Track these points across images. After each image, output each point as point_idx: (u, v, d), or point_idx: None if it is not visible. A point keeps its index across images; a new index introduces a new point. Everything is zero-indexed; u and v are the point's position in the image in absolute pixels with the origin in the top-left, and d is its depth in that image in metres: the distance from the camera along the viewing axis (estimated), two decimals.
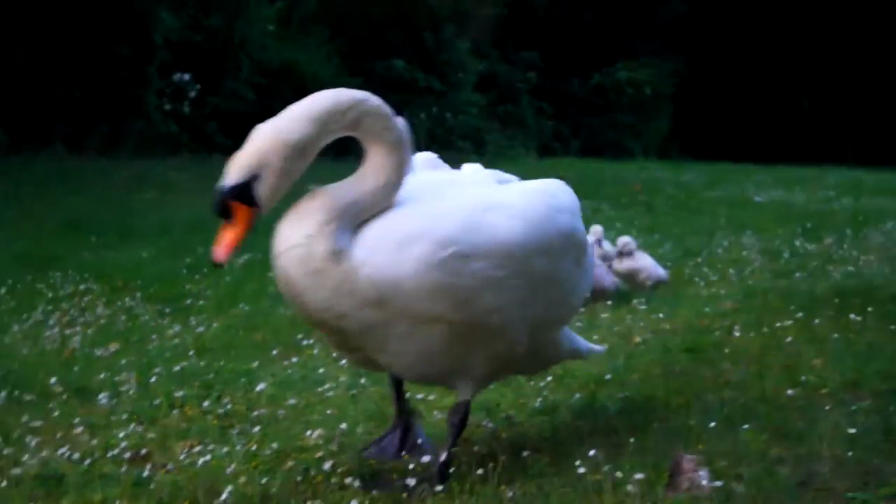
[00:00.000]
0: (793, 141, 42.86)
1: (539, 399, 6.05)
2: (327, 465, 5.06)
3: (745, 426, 5.25)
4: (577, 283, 5.00)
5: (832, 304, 8.65)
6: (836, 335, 7.49)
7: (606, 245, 10.16)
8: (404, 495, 4.57)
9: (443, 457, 4.77)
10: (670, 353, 7.20)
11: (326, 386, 6.59)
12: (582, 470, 4.65)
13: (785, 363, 6.82)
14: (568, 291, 4.89)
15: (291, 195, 4.41)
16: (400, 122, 4.65)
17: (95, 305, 9.74)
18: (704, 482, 4.47)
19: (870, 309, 8.27)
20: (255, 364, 7.47)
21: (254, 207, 4.21)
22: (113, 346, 8.15)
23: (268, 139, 4.21)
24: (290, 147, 4.21)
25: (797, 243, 13.87)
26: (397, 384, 5.19)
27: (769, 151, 39.32)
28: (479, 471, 4.81)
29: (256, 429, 5.70)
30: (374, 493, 4.84)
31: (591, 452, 4.83)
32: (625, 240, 9.98)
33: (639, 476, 4.50)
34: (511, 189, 4.83)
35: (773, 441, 5.13)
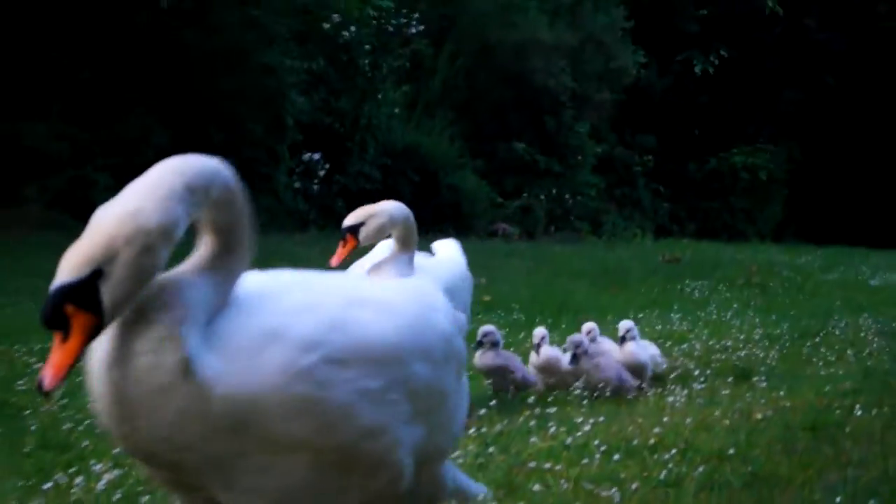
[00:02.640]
0: None
1: (664, 472, 5.96)
2: None
3: (871, 503, 5.15)
4: (459, 403, 3.91)
5: None
6: None
7: (604, 340, 9.66)
8: None
9: None
10: (791, 430, 7.06)
11: (455, 454, 6.38)
12: None
13: None
14: (452, 411, 3.81)
15: None
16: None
17: None
18: None
19: None
20: None
21: (96, 315, 2.93)
22: None
23: (118, 223, 2.96)
24: (150, 234, 2.97)
25: None
26: None
27: (884, 236, 38.93)
28: None
29: None
30: None
31: None
32: (627, 324, 9.49)
33: None
34: (380, 284, 3.90)
35: None
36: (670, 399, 8.43)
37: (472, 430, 7.15)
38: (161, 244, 2.99)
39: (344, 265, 7.15)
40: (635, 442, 6.58)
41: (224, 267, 3.26)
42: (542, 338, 9.12)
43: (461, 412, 3.96)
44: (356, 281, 3.90)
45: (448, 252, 7.99)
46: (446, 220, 29.73)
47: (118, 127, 25.33)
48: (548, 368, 9.26)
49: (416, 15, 33.00)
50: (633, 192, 39.84)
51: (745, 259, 27.20)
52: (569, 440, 6.70)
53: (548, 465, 6.08)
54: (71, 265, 2.90)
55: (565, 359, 8.99)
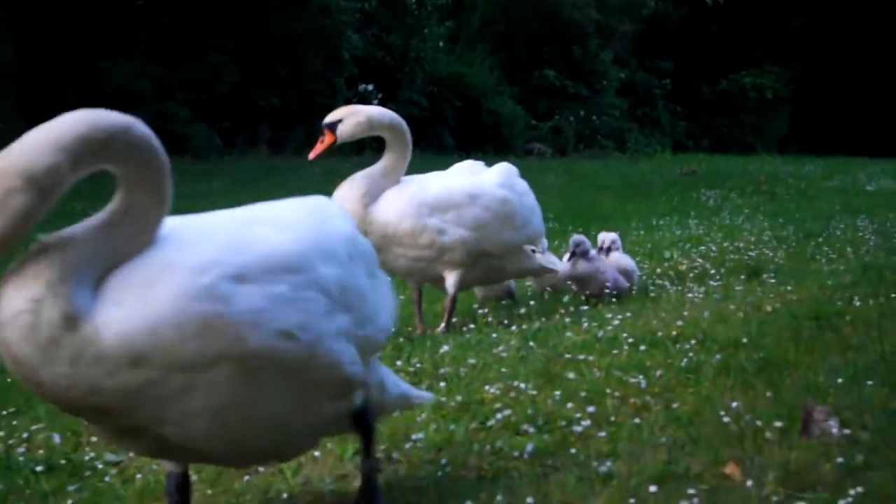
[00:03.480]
0: None
1: (685, 360, 6.00)
2: (502, 415, 5.06)
3: (869, 382, 5.18)
4: (379, 298, 3.77)
5: None
6: None
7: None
8: None
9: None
10: (798, 320, 7.06)
11: (500, 348, 6.59)
12: (726, 419, 4.66)
13: None
14: (373, 304, 3.67)
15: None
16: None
17: None
18: (834, 430, 4.42)
19: None
20: (438, 329, 7.55)
21: None
22: None
23: (9, 168, 2.84)
24: (30, 180, 2.82)
25: None
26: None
27: (879, 146, 38.56)
28: (636, 420, 4.82)
29: (442, 384, 5.75)
30: (546, 437, 4.83)
31: (734, 404, 4.83)
32: (610, 236, 9.03)
33: (776, 424, 4.48)
34: (280, 205, 3.70)
35: (893, 395, 5.03)
36: (690, 295, 8.43)
37: (513, 328, 7.18)
38: (41, 196, 2.83)
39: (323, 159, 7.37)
40: (659, 334, 6.62)
41: (135, 219, 3.09)
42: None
43: (385, 306, 3.83)
44: (258, 208, 3.62)
45: (489, 171, 7.75)
46: (487, 141, 29.89)
47: (194, 65, 25.58)
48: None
49: None
50: (653, 113, 39.88)
51: (754, 169, 27.16)
52: (600, 333, 6.73)
53: (581, 357, 6.12)
54: None
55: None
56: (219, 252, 3.15)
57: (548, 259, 8.14)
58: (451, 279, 7.34)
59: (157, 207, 3.17)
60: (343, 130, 6.94)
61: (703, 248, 11.46)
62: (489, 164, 7.92)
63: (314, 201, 3.77)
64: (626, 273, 8.79)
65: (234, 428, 3.21)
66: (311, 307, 3.25)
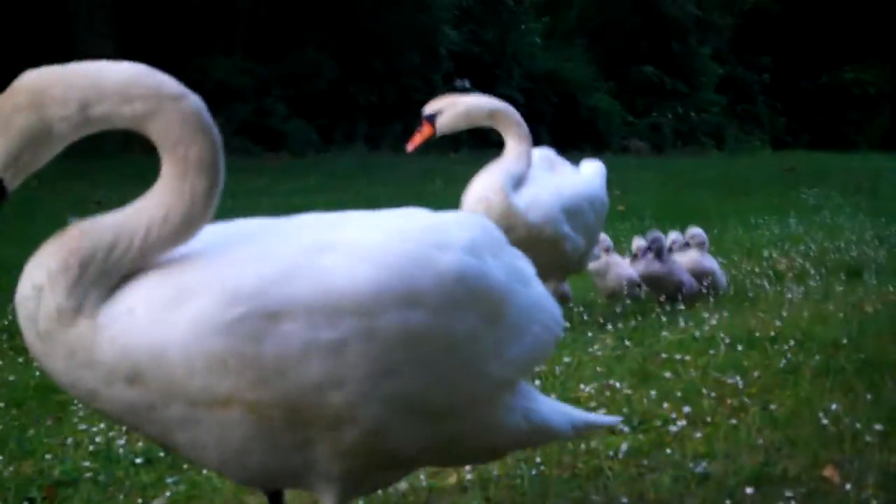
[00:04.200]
0: None
1: (783, 360, 5.96)
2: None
3: None
4: (495, 345, 3.09)
5: None
6: None
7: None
8: None
9: None
10: None
11: (595, 347, 6.58)
12: (824, 421, 4.61)
13: None
14: (476, 357, 3.03)
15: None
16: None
17: None
18: None
19: None
20: None
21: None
22: None
23: (32, 93, 2.71)
24: (36, 105, 2.70)
25: None
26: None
27: None
28: (733, 420, 4.80)
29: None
30: (641, 436, 4.81)
31: (833, 406, 4.78)
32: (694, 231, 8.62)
33: (877, 427, 4.44)
34: (372, 222, 3.10)
35: None
36: (789, 295, 8.33)
37: (609, 326, 7.16)
38: (39, 114, 2.69)
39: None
40: (757, 334, 6.55)
41: (171, 213, 2.77)
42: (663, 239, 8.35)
43: (507, 349, 3.14)
44: (339, 220, 3.08)
45: (589, 171, 7.70)
46: (584, 137, 29.84)
47: (293, 61, 25.79)
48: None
49: None
50: (753, 108, 39.55)
51: (855, 167, 26.65)
52: (697, 333, 6.70)
53: (678, 356, 6.10)
54: None
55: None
56: (264, 280, 2.75)
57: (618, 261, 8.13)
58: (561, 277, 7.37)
59: (193, 200, 2.82)
60: (442, 122, 6.83)
61: (802, 247, 11.31)
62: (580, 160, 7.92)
63: (426, 220, 3.17)
64: (700, 274, 8.41)
65: (250, 468, 2.91)
66: (362, 364, 2.78)
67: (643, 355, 6.23)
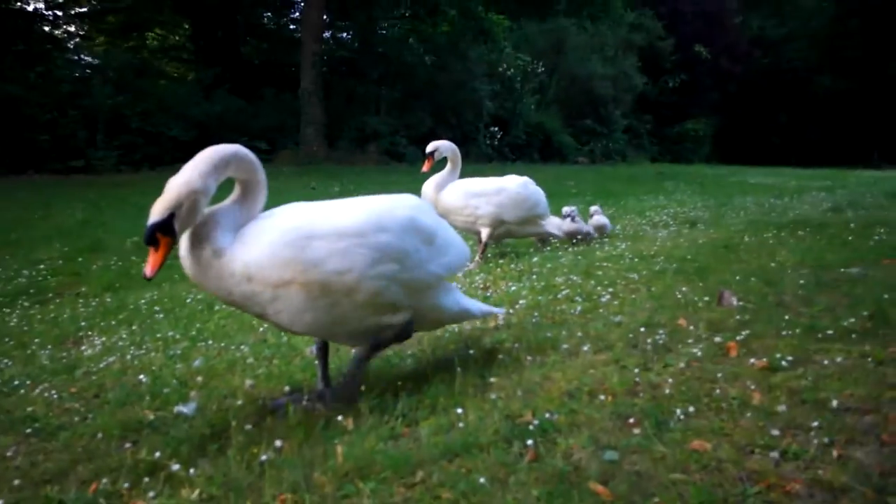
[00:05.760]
0: None
1: (657, 266, 5.71)
2: (563, 293, 4.96)
3: (752, 279, 4.94)
4: (430, 256, 3.22)
5: None
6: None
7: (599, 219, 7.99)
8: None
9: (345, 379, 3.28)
10: (716, 247, 6.59)
11: (562, 260, 6.41)
12: (679, 296, 4.55)
13: None
14: (420, 259, 3.16)
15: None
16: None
17: None
18: (735, 302, 4.31)
19: None
20: (476, 259, 7.29)
21: (172, 237, 2.78)
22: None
23: (179, 188, 2.78)
24: (196, 192, 2.79)
25: None
26: (321, 351, 3.45)
27: None
28: (633, 296, 4.65)
29: (534, 276, 5.71)
30: (586, 303, 4.59)
31: (683, 289, 4.68)
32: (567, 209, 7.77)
33: (705, 298, 4.39)
34: (365, 199, 3.22)
35: (765, 285, 4.77)
36: (659, 234, 8.02)
37: (569, 249, 7.05)
38: (203, 198, 2.77)
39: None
40: (644, 253, 6.38)
41: (247, 201, 2.95)
42: (572, 211, 7.81)
43: (438, 260, 3.24)
44: (344, 200, 3.17)
45: (508, 179, 7.14)
46: (553, 156, 29.22)
47: (408, 117, 25.98)
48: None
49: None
50: (641, 141, 37.86)
51: (692, 171, 25.13)
52: (614, 252, 6.59)
53: (605, 264, 5.97)
54: (157, 211, 2.71)
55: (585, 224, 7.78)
56: (301, 222, 2.88)
57: (552, 223, 7.46)
58: (483, 233, 6.91)
59: (259, 197, 2.99)
60: (436, 157, 6.63)
61: (665, 210, 10.91)
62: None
63: (393, 196, 3.21)
64: (598, 228, 7.98)
65: (309, 323, 2.93)
66: (357, 258, 2.89)
67: (587, 263, 6.06)
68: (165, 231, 2.72)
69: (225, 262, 2.81)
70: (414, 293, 3.08)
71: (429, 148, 6.53)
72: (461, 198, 6.65)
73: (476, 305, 3.47)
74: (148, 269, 2.67)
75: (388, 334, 3.13)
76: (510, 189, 6.83)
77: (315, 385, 3.37)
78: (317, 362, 3.37)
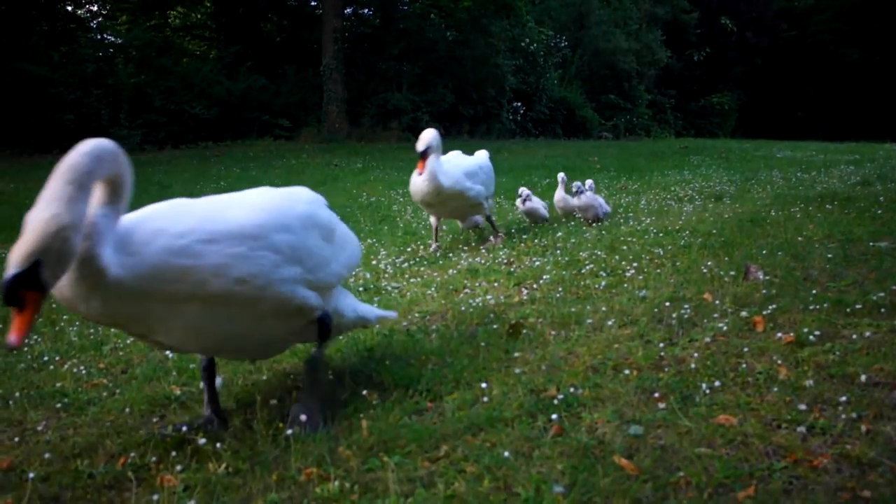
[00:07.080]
0: None
1: (683, 241, 5.67)
2: (588, 268, 4.92)
3: (779, 253, 4.90)
4: (332, 254, 2.99)
5: None
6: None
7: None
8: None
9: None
10: (742, 221, 6.51)
11: (586, 235, 6.38)
12: (704, 271, 4.49)
13: None
14: (324, 259, 2.91)
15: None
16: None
17: None
18: (760, 276, 4.26)
19: None
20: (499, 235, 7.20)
21: (40, 291, 2.20)
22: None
23: (44, 227, 2.20)
24: (68, 229, 2.21)
25: None
26: (206, 371, 3.04)
27: None
28: (658, 270, 4.62)
29: (558, 251, 5.67)
30: (611, 278, 4.56)
31: (708, 263, 4.65)
32: (576, 183, 7.58)
33: (731, 273, 4.36)
34: (256, 192, 2.92)
35: (791, 259, 4.73)
36: (685, 209, 7.92)
37: (594, 225, 7.01)
38: (75, 234, 2.20)
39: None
40: (669, 228, 6.34)
41: (115, 201, 2.42)
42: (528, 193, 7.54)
43: (340, 257, 3.04)
44: (228, 196, 2.85)
45: (479, 154, 7.13)
46: (577, 132, 28.97)
47: (431, 93, 26.00)
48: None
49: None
50: (665, 116, 37.34)
51: (718, 146, 24.28)
52: (638, 227, 6.53)
53: (630, 238, 5.92)
54: (17, 259, 2.14)
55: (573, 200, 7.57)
56: (196, 223, 2.53)
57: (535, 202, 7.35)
58: (486, 209, 6.82)
59: (126, 197, 2.50)
60: (429, 151, 6.29)
61: (691, 185, 10.75)
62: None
63: (287, 189, 2.96)
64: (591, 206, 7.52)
65: (203, 340, 2.66)
66: (263, 262, 2.59)
67: (611, 238, 6.02)
68: (30, 284, 2.13)
69: (112, 282, 2.32)
70: (321, 293, 2.84)
71: (421, 146, 6.14)
72: (462, 180, 6.47)
73: (371, 310, 3.30)
74: (12, 335, 2.09)
75: (310, 336, 2.90)
76: (487, 163, 6.88)
77: (202, 411, 2.99)
78: (202, 384, 2.96)
